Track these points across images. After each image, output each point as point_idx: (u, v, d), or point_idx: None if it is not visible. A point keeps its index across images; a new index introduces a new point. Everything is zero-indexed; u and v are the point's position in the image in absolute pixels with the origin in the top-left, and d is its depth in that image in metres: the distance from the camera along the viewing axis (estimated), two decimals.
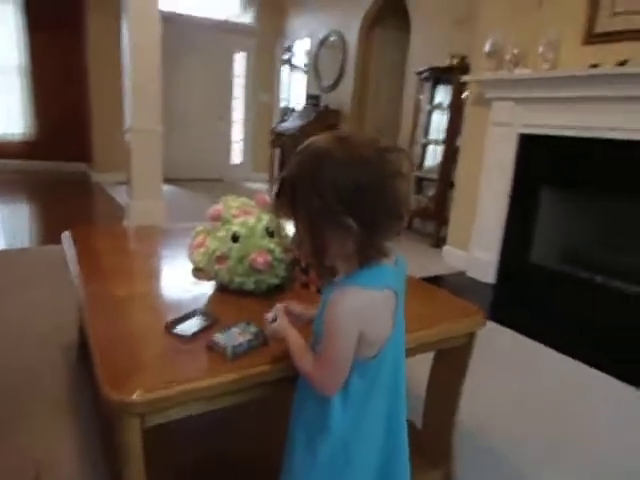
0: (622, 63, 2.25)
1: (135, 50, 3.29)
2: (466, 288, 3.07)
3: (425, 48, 4.41)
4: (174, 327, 0.99)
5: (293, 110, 6.32)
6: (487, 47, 2.99)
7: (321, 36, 5.83)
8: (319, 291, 1.20)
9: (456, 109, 3.80)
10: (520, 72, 2.76)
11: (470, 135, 3.33)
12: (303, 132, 5.42)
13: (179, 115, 6.27)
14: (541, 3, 2.73)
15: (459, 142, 3.80)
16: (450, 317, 1.14)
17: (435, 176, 4.10)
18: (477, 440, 1.51)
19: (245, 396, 0.89)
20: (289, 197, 0.73)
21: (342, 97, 5.57)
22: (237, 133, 7.01)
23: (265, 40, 6.71)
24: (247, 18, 6.64)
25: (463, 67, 3.74)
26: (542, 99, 2.72)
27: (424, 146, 4.30)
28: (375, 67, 5.45)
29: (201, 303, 1.17)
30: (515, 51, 2.83)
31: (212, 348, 0.91)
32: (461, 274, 3.25)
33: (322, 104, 5.69)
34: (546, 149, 2.80)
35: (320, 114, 5.53)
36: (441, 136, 4.07)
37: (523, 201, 2.98)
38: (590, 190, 2.72)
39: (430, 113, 4.23)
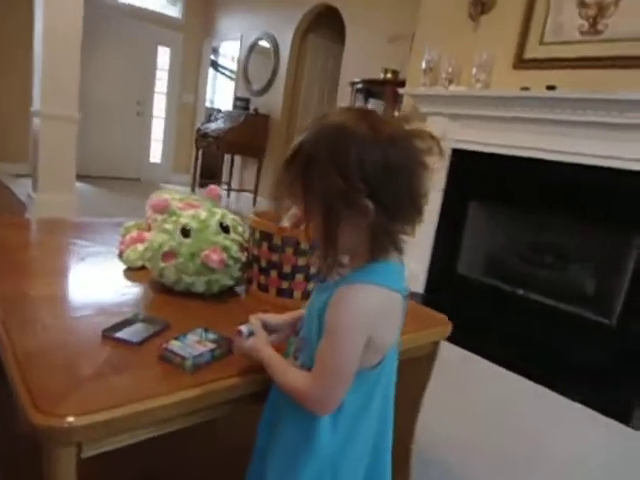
0: (551, 87, 2.40)
1: (50, 24, 2.93)
2: None
3: (358, 60, 4.47)
4: (115, 333, 0.82)
5: (219, 111, 6.10)
6: (423, 63, 3.06)
7: (252, 38, 5.70)
8: (280, 293, 1.09)
9: None
10: (455, 89, 2.86)
11: None
12: (231, 134, 5.24)
13: (92, 106, 5.76)
14: (476, 27, 2.86)
15: None
16: (420, 326, 1.08)
17: None
18: (424, 451, 1.47)
19: (206, 416, 0.75)
20: (302, 171, 0.62)
21: (273, 102, 5.47)
22: (157, 131, 6.60)
23: (191, 36, 6.42)
24: (174, 11, 6.33)
25: (396, 81, 3.82)
26: (474, 117, 2.83)
27: None
28: (307, 74, 5.42)
29: (139, 307, 1.00)
30: (450, 69, 2.93)
31: (167, 358, 0.76)
32: None
33: (252, 107, 5.54)
34: (476, 165, 2.91)
35: (249, 117, 5.38)
36: None
37: (452, 214, 3.07)
38: (514, 206, 2.87)
39: None
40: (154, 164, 6.67)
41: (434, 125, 3.03)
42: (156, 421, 0.68)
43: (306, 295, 1.09)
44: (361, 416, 0.68)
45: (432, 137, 0.63)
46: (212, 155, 5.63)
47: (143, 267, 1.20)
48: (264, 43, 5.58)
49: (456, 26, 2.99)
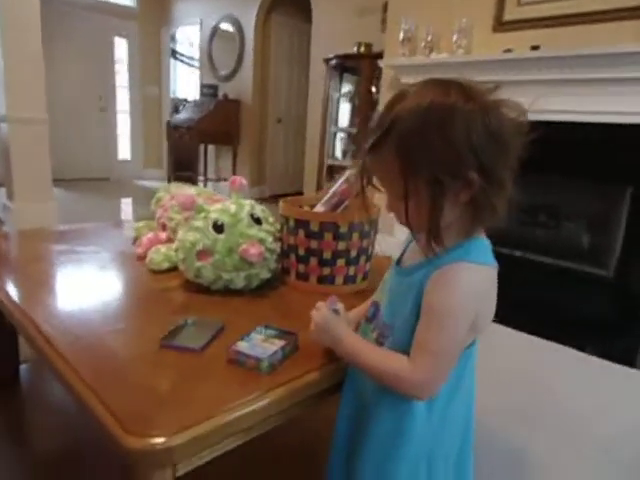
0: (535, 47, 2.39)
1: (7, 23, 2.74)
2: (380, 263, 3.09)
3: (328, 36, 4.37)
4: (173, 341, 0.78)
5: (186, 101, 5.91)
6: (401, 34, 3.01)
7: (213, 22, 5.50)
8: (321, 281, 1.05)
9: (366, 96, 3.83)
10: (437, 57, 2.83)
11: None
12: (203, 123, 5.08)
13: (52, 105, 5.46)
14: None
15: None
16: None
17: (349, 164, 4.10)
18: None
19: (288, 415, 0.72)
20: (402, 148, 0.58)
21: (242, 86, 5.32)
22: (123, 126, 6.36)
23: (147, 25, 6.15)
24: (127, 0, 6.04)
25: (371, 55, 3.77)
26: None
27: (334, 135, 4.28)
28: (274, 55, 5.29)
29: (182, 310, 0.95)
30: (429, 37, 2.89)
31: (239, 362, 0.72)
32: (389, 259, 3.28)
33: (221, 93, 5.39)
34: None
35: (220, 104, 5.22)
36: (347, 123, 4.16)
37: None
38: None
39: (339, 101, 4.20)
40: (123, 161, 6.45)
41: None
42: (245, 428, 0.65)
43: (348, 279, 1.07)
44: (453, 399, 0.67)
45: (518, 106, 0.60)
46: (185, 147, 5.46)
47: (169, 269, 1.15)
48: (226, 26, 5.39)
49: None
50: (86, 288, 1.05)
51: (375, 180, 0.66)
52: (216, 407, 0.62)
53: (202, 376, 0.70)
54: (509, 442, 1.38)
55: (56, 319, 0.86)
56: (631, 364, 1.99)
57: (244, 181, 1.13)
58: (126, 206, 4.95)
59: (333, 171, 4.37)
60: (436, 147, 0.56)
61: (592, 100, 2.33)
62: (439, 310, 0.60)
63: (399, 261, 0.73)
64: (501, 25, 2.67)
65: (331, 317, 0.69)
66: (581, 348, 2.08)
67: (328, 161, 4.26)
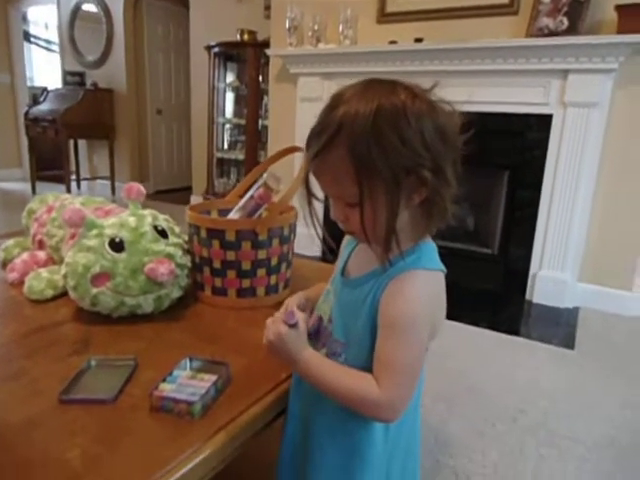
0: (419, 40, 2.48)
1: None
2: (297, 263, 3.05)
3: (208, 23, 4.14)
4: (77, 394, 0.64)
5: (46, 90, 5.22)
6: (287, 22, 2.94)
7: (73, 1, 4.91)
8: (241, 294, 0.96)
9: (254, 85, 3.71)
10: (324, 47, 2.81)
11: (278, 112, 3.27)
12: (70, 115, 4.54)
13: None
14: None
15: (261, 120, 3.76)
16: None
17: (239, 157, 3.95)
18: None
19: (227, 460, 0.63)
20: (355, 152, 0.52)
21: (114, 74, 4.84)
22: None
23: None
24: None
25: (255, 42, 3.65)
26: (347, 73, 2.82)
27: (223, 126, 4.09)
28: (149, 40, 4.88)
29: (82, 349, 0.80)
30: (315, 27, 2.86)
31: (166, 408, 0.61)
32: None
33: (89, 82, 4.85)
34: None
35: (89, 94, 4.69)
36: (230, 114, 4.05)
37: None
38: None
39: (225, 91, 4.02)
40: None
41: (307, 86, 2.97)
42: None
43: (270, 290, 0.99)
44: (407, 411, 0.63)
45: (451, 104, 0.57)
46: (50, 142, 4.83)
47: (54, 296, 0.97)
48: (90, 7, 4.85)
49: None
50: None
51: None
52: (146, 475, 0.51)
53: (121, 434, 0.58)
54: (431, 420, 1.42)
55: None
56: (516, 333, 2.19)
57: (142, 188, 0.98)
58: None
59: (223, 164, 4.19)
60: (393, 146, 0.51)
61: (474, 90, 2.48)
62: (400, 323, 0.56)
63: (343, 270, 0.68)
64: (384, 16, 2.73)
65: (287, 333, 0.60)
66: (475, 323, 2.24)
67: (217, 154, 4.07)
